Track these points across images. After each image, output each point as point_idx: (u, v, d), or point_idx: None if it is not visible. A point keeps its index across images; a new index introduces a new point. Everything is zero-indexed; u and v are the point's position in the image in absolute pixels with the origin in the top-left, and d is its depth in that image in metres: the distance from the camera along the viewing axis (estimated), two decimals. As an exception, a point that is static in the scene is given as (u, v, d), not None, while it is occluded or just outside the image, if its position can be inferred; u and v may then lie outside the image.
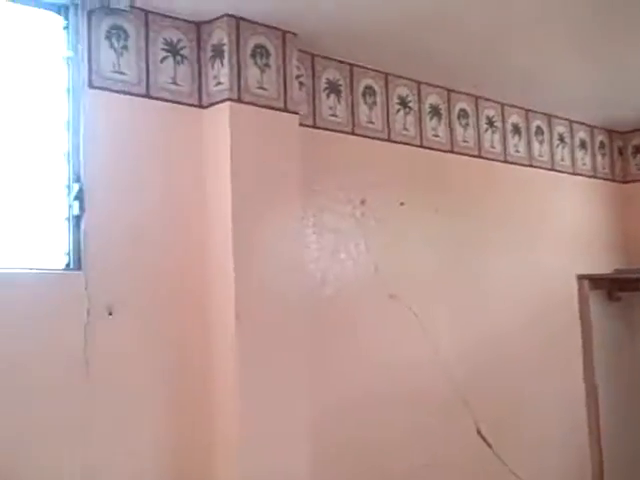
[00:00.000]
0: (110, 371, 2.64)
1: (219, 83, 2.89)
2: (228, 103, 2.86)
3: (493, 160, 4.09)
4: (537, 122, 4.37)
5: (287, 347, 2.93)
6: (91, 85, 2.69)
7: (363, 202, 3.47)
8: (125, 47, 2.77)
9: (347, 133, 3.44)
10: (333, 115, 3.39)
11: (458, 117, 3.92)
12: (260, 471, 2.79)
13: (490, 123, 4.09)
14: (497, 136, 4.12)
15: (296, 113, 3.07)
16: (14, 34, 2.62)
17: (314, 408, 2.97)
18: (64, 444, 2.52)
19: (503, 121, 4.17)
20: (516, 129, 4.23)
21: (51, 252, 2.64)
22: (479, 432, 3.79)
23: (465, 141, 3.95)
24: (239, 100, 2.89)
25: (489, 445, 3.83)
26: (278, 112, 3.00)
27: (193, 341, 2.84)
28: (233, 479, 2.78)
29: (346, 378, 3.28)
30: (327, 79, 3.37)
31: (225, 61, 2.87)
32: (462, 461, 3.69)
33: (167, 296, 2.80)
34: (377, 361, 3.42)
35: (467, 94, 3.97)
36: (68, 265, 2.65)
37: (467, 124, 3.97)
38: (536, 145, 4.34)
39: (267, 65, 2.97)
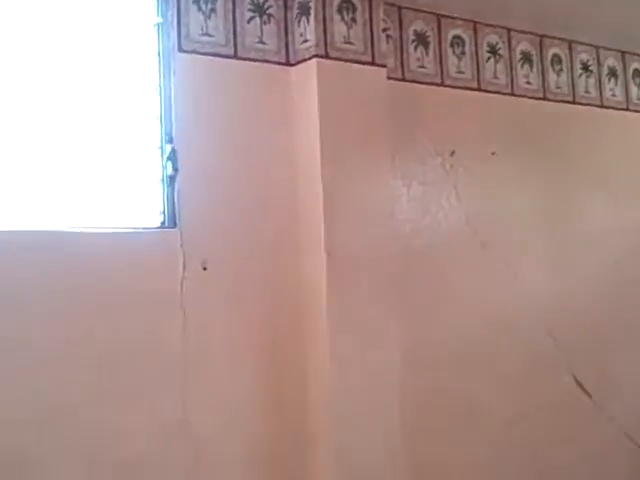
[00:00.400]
0: (206, 321, 2.76)
1: (305, 40, 2.91)
2: (315, 60, 2.88)
3: (588, 105, 3.97)
4: (635, 64, 4.20)
5: (377, 289, 2.97)
6: (180, 49, 2.75)
7: (453, 153, 3.45)
8: (213, 10, 2.81)
9: (436, 84, 3.41)
10: (421, 67, 3.36)
11: (551, 63, 3.82)
12: (352, 407, 2.87)
13: (585, 68, 3.97)
14: (592, 81, 4.00)
15: (384, 66, 3.05)
16: (106, 3, 2.70)
17: (405, 355, 3.02)
18: (162, 393, 2.66)
19: (598, 65, 4.03)
20: (612, 72, 4.09)
21: (147, 212, 2.75)
22: (577, 381, 3.77)
23: (558, 87, 3.85)
24: (326, 56, 2.90)
25: (588, 394, 3.80)
26: (365, 66, 3.00)
27: (285, 287, 2.92)
28: (326, 414, 2.87)
29: (438, 327, 3.31)
30: (414, 31, 3.34)
31: (311, 18, 2.88)
32: (558, 411, 3.67)
33: (259, 247, 2.88)
34: (469, 310, 3.43)
35: (560, 39, 3.85)
36: (163, 223, 2.76)
37: (560, 70, 3.86)
38: (634, 88, 4.19)
39: (353, 20, 2.97)
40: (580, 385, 3.78)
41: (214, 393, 2.76)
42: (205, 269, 2.78)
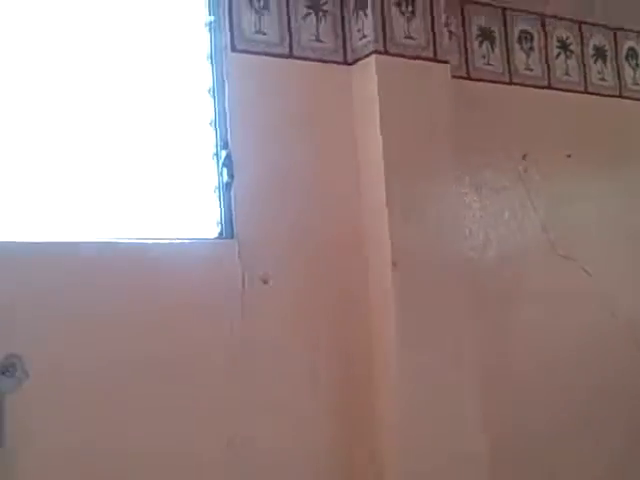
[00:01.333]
0: (268, 339, 2.58)
1: (364, 36, 2.76)
2: (374, 56, 2.72)
3: (668, 102, 3.73)
4: None
5: (447, 301, 2.77)
6: (233, 49, 2.62)
7: (525, 156, 3.25)
8: (266, 7, 2.68)
9: (503, 83, 3.22)
10: (487, 64, 3.18)
11: (626, 57, 3.60)
12: (426, 430, 2.66)
13: (663, 62, 3.74)
14: (673, 76, 3.76)
15: (447, 62, 2.88)
16: (155, 3, 2.60)
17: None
18: (220, 412, 2.49)
19: (678, 59, 3.79)
20: (693, 66, 3.84)
21: (203, 221, 2.61)
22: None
23: (637, 84, 3.62)
24: (385, 52, 2.74)
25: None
26: (428, 62, 2.83)
27: (351, 301, 2.73)
28: (398, 439, 2.66)
29: (514, 344, 3.09)
30: (478, 26, 3.17)
31: (369, 11, 2.72)
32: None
33: (322, 258, 2.71)
34: (549, 324, 3.19)
35: (635, 32, 3.64)
36: (221, 234, 2.61)
37: (637, 65, 3.63)
38: None
39: (413, 13, 2.80)
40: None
41: (278, 414, 2.57)
42: (266, 282, 2.61)
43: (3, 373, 2.19)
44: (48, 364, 2.23)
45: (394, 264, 2.67)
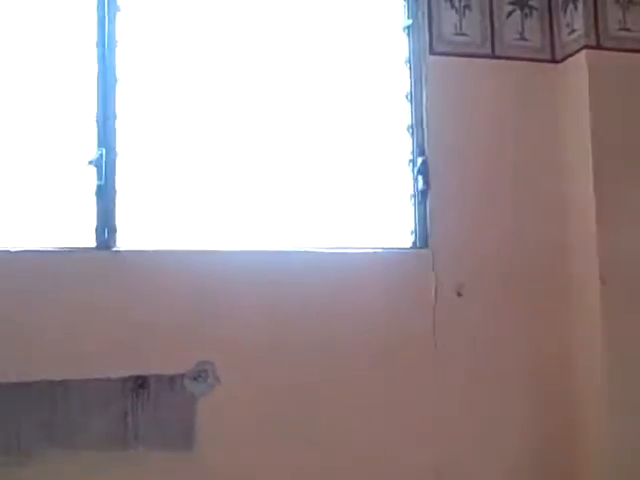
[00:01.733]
0: (459, 357, 2.50)
1: (573, 31, 2.56)
2: (585, 52, 2.52)
3: None
4: None
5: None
6: (432, 51, 2.54)
7: None
8: (468, 6, 2.57)
9: None
10: None
11: None
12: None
13: None
14: None
15: (674, 55, 2.61)
16: (353, 10, 2.57)
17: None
18: (413, 422, 2.45)
19: None
20: None
21: (396, 230, 2.56)
22: None
23: None
24: (598, 47, 2.54)
25: None
26: (650, 56, 2.59)
27: (552, 320, 2.59)
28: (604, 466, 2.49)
29: None
30: None
31: (579, 3, 2.53)
32: None
33: (521, 272, 2.57)
34: None
35: None
36: (415, 243, 2.54)
37: None
38: None
39: (630, 1, 2.56)
40: None
41: (471, 441, 2.48)
42: (460, 295, 2.51)
43: (195, 379, 2.27)
44: (239, 370, 2.30)
45: (602, 280, 2.48)
